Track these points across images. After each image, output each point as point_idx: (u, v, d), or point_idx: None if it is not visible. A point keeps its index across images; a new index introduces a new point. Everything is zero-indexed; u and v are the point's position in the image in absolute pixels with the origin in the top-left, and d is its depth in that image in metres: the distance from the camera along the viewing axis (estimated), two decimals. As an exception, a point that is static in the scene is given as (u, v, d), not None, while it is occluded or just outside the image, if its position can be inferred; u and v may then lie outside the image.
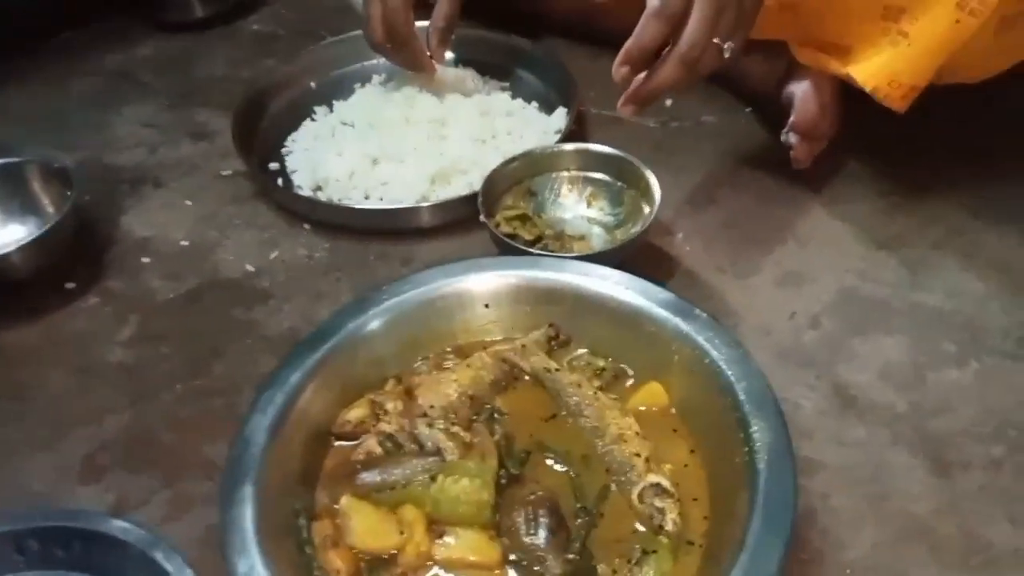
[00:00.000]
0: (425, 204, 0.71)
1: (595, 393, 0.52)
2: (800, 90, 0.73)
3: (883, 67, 0.67)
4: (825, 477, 0.52)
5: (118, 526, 0.46)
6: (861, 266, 0.67)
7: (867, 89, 0.67)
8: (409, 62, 0.80)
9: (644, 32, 0.55)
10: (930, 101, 0.67)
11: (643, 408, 0.52)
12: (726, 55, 0.57)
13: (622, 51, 0.57)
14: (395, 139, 0.77)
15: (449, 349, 0.55)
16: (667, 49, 0.57)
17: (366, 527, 0.45)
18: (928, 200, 0.72)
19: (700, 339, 0.50)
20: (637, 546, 0.44)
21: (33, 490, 0.53)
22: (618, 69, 0.58)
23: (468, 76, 0.86)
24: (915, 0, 0.64)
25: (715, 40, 0.56)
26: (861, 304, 0.64)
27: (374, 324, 0.52)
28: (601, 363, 0.54)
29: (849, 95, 0.71)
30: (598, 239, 0.68)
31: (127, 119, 0.88)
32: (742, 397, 0.46)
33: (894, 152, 0.76)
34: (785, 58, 0.75)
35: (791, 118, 0.72)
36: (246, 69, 0.95)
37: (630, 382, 0.54)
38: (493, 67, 0.89)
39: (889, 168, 0.75)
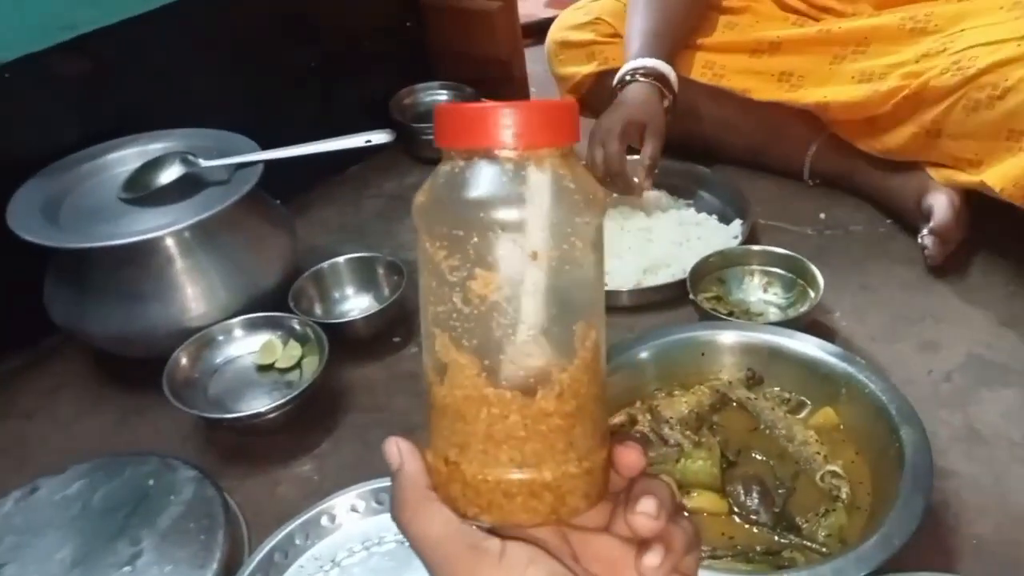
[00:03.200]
0: (642, 288, 0.97)
1: (784, 415, 0.75)
2: (937, 202, 0.95)
3: (1007, 173, 0.88)
4: (957, 481, 0.72)
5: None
6: (986, 338, 0.87)
7: (996, 190, 0.88)
8: (621, 190, 1.07)
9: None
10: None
11: (819, 425, 0.74)
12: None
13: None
14: (614, 242, 1.04)
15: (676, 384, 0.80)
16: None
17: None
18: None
19: (861, 376, 0.72)
20: (822, 507, 0.66)
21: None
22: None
23: (662, 196, 1.14)
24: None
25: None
26: (985, 366, 0.84)
27: (643, 355, 0.78)
28: (787, 395, 0.77)
29: (974, 209, 0.93)
30: (774, 316, 0.92)
31: (409, 228, 1.20)
32: (893, 412, 0.68)
33: (1011, 252, 0.96)
34: (922, 178, 0.98)
35: (930, 224, 0.94)
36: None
37: (808, 409, 0.76)
38: (680, 189, 1.16)
39: (1007, 264, 0.96)
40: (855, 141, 1.05)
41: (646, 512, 0.31)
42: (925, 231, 0.94)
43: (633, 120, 1.03)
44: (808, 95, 1.03)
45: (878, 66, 0.98)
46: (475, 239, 0.30)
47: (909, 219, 1.01)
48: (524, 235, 0.30)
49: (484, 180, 0.30)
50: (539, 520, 0.32)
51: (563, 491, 0.32)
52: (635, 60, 1.07)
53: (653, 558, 0.31)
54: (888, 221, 1.06)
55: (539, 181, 0.30)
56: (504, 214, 0.30)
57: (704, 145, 1.21)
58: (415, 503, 0.32)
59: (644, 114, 1.04)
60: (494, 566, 0.30)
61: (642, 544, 0.31)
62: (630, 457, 0.33)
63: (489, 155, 0.30)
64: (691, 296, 0.89)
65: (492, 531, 0.32)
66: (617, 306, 0.98)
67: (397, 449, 0.34)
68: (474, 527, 0.32)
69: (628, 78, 1.07)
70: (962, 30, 0.92)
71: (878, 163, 1.05)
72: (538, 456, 0.31)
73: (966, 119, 0.91)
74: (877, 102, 0.97)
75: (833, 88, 1.01)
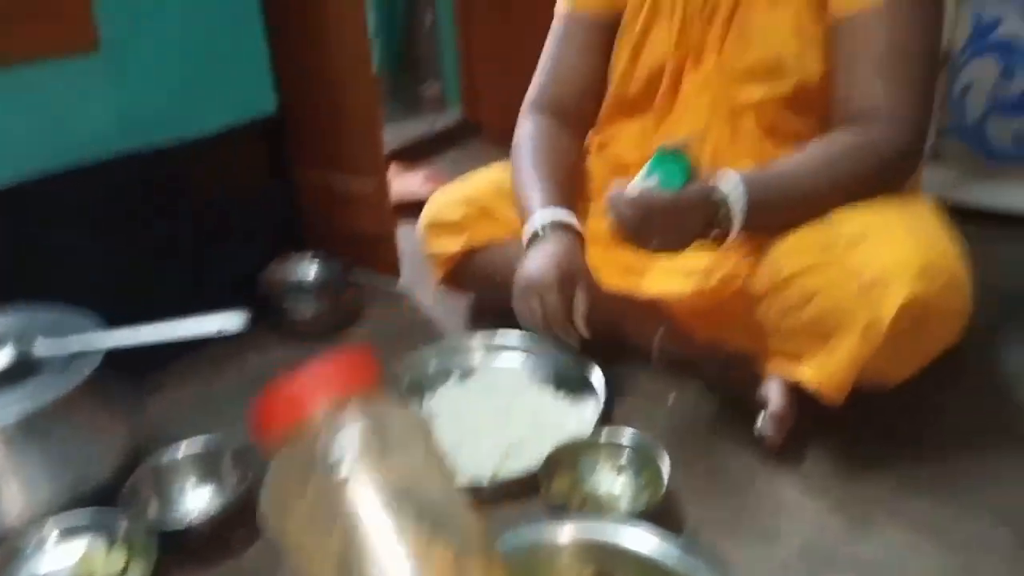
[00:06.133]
0: (499, 482, 0.96)
1: (628, 616, 0.74)
2: (771, 391, 1.00)
3: (820, 371, 0.94)
4: None
5: None
6: (818, 523, 0.89)
7: (810, 387, 0.94)
8: (562, 340, 1.04)
9: None
10: (869, 397, 0.94)
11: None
12: None
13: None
14: (467, 423, 1.05)
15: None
16: None
17: None
18: (866, 473, 0.97)
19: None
20: None
21: None
22: None
23: (521, 374, 1.16)
24: (838, 328, 0.91)
25: None
26: (815, 552, 0.86)
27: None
28: (632, 594, 0.76)
29: (805, 396, 0.98)
30: (625, 502, 0.92)
31: (268, 408, 1.16)
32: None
33: (835, 435, 1.02)
34: (757, 368, 1.04)
35: (768, 410, 0.98)
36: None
37: (653, 608, 0.75)
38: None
39: (836, 448, 1.01)
40: (693, 331, 1.11)
41: None
42: (760, 420, 0.97)
43: (566, 271, 1.01)
44: (647, 286, 1.10)
45: (707, 263, 1.05)
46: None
47: (749, 406, 1.05)
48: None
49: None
50: None
51: None
52: (541, 212, 1.07)
53: None
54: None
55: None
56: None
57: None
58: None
59: (571, 264, 1.02)
60: None
61: None
62: None
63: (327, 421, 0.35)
64: (541, 490, 0.89)
65: None
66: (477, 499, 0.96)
67: None
68: None
69: (540, 232, 1.05)
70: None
71: (718, 352, 1.10)
72: None
73: (781, 321, 0.97)
74: (706, 298, 1.04)
75: (669, 281, 1.08)
